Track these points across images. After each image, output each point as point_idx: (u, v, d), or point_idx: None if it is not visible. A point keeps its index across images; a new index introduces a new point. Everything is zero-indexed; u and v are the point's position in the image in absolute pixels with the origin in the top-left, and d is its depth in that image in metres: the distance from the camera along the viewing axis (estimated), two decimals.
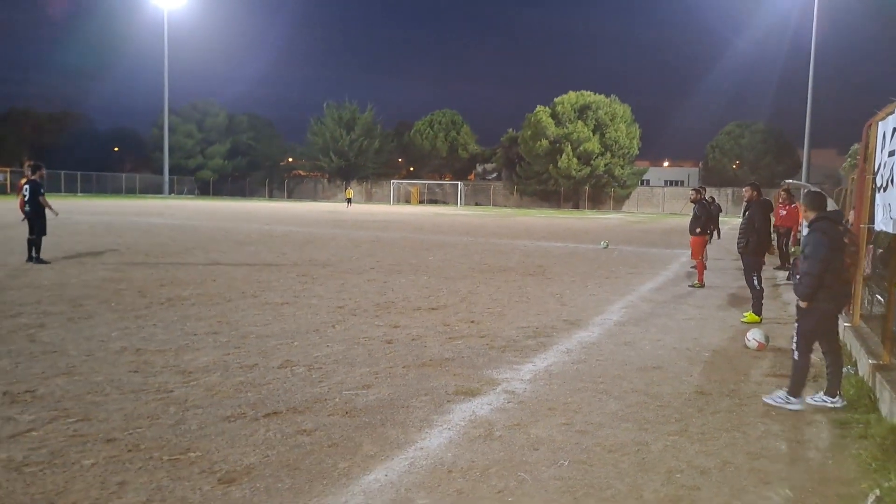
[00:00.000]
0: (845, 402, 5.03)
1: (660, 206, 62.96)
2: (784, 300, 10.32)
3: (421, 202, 69.93)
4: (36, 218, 11.78)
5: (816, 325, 5.04)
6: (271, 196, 75.88)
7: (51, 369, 5.37)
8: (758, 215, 8.49)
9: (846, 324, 7.07)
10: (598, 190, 62.74)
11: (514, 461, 3.86)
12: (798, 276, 5.11)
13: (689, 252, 13.01)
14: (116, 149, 76.97)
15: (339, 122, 70.72)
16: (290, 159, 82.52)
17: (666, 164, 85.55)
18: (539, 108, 62.63)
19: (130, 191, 69.23)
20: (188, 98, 79.82)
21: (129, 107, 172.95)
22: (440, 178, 75.43)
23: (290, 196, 76.62)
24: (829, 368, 5.12)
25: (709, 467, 3.87)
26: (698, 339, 7.32)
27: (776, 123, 77.36)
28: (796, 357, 5.03)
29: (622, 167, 61.76)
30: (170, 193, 68.32)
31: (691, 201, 11.87)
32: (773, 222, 10.78)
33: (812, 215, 5.16)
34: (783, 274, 13.49)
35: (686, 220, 14.11)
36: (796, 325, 5.13)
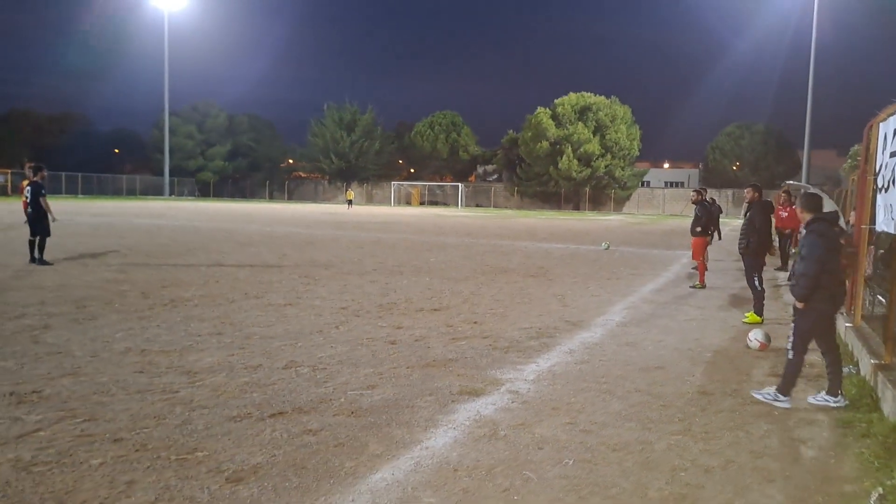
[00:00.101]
0: (847, 402, 5.06)
1: (660, 207, 62.98)
2: (785, 301, 10.34)
3: (421, 204, 69.95)
4: (38, 219, 11.80)
5: (813, 326, 5.08)
6: (272, 197, 75.90)
7: (56, 370, 5.40)
8: (758, 216, 8.52)
9: (848, 324, 7.10)
10: (599, 191, 62.77)
11: (519, 460, 3.89)
12: (794, 278, 5.15)
13: (690, 253, 13.04)
14: (117, 150, 77.02)
15: (340, 124, 70.74)
16: (291, 161, 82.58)
17: (666, 165, 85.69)
18: (539, 109, 62.68)
19: (131, 192, 69.28)
20: (188, 99, 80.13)
21: (130, 108, 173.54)
22: (441, 180, 75.47)
23: (291, 198, 76.64)
24: (829, 368, 5.16)
25: (712, 466, 3.90)
26: (700, 339, 7.34)
27: (776, 124, 77.51)
28: (790, 356, 5.07)
29: (622, 168, 61.79)
30: (170, 195, 68.36)
31: (693, 202, 11.91)
32: (774, 224, 10.81)
33: (808, 217, 5.19)
34: (784, 275, 13.51)
35: (687, 222, 14.15)
36: (793, 324, 5.17)
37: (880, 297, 6.75)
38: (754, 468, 3.89)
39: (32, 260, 11.75)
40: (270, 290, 9.68)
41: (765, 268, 8.97)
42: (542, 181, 63.08)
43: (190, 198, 69.76)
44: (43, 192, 11.95)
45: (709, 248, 12.01)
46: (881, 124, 6.11)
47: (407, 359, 6.08)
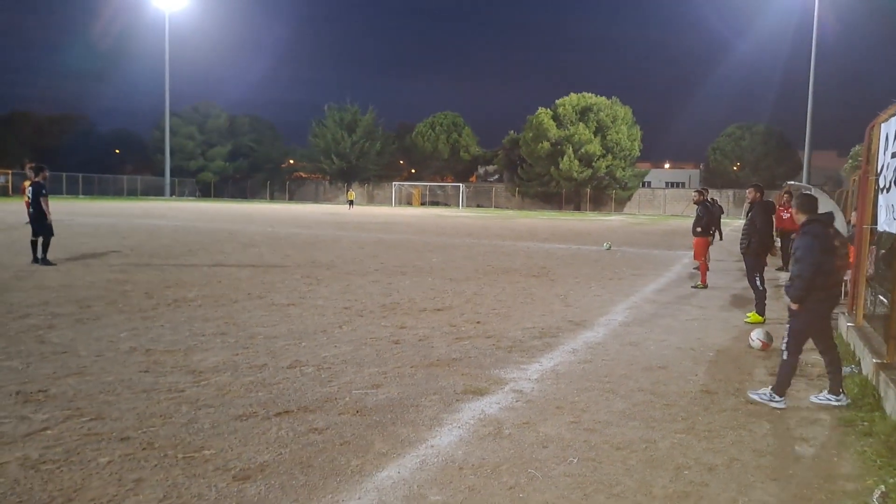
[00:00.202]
0: (849, 401, 5.08)
1: (661, 207, 63.00)
2: (786, 301, 10.35)
3: (422, 204, 69.99)
4: (40, 219, 11.83)
5: (808, 326, 5.11)
6: (272, 198, 75.96)
7: (62, 369, 5.43)
8: (760, 216, 8.55)
9: (850, 323, 7.13)
10: (600, 192, 62.80)
11: (523, 458, 3.91)
12: (789, 279, 5.18)
13: (692, 253, 13.06)
14: (118, 151, 77.10)
15: (341, 124, 70.81)
16: (292, 161, 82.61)
17: (667, 165, 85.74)
18: (540, 109, 62.73)
19: (132, 193, 69.36)
20: (189, 100, 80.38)
21: (131, 109, 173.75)
22: (441, 180, 75.49)
23: (292, 198, 76.70)
24: (829, 367, 5.19)
25: (716, 464, 3.92)
26: (702, 339, 7.37)
27: (777, 125, 77.68)
28: (785, 357, 5.09)
29: (623, 169, 61.82)
30: (171, 195, 68.42)
31: (694, 203, 11.93)
32: (775, 224, 10.83)
33: (803, 218, 5.19)
34: (785, 275, 13.52)
35: (688, 222, 14.17)
36: (788, 324, 5.20)
37: (882, 297, 6.78)
38: (757, 466, 3.91)
39: (35, 260, 11.78)
40: (273, 291, 9.71)
41: (766, 268, 8.99)
42: (543, 182, 63.12)
43: (191, 198, 69.81)
44: (44, 192, 11.94)
45: (710, 248, 12.03)
46: (883, 125, 6.14)
47: (411, 358, 6.11)
